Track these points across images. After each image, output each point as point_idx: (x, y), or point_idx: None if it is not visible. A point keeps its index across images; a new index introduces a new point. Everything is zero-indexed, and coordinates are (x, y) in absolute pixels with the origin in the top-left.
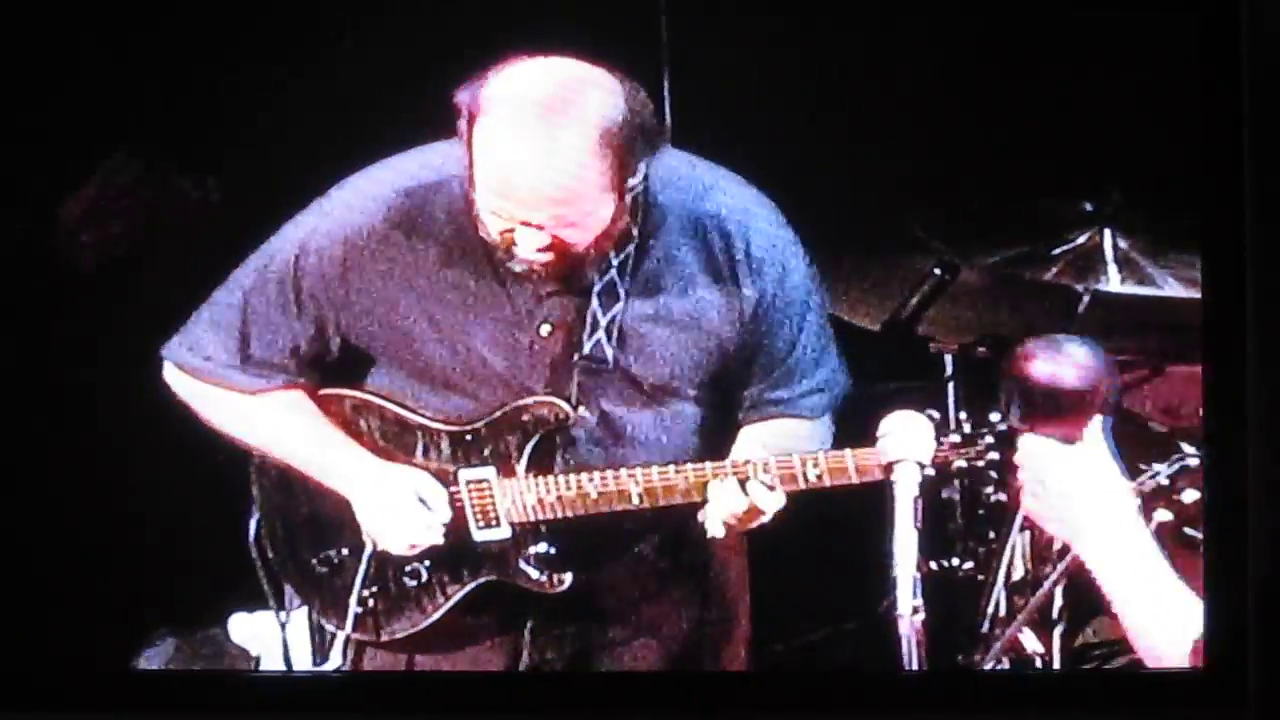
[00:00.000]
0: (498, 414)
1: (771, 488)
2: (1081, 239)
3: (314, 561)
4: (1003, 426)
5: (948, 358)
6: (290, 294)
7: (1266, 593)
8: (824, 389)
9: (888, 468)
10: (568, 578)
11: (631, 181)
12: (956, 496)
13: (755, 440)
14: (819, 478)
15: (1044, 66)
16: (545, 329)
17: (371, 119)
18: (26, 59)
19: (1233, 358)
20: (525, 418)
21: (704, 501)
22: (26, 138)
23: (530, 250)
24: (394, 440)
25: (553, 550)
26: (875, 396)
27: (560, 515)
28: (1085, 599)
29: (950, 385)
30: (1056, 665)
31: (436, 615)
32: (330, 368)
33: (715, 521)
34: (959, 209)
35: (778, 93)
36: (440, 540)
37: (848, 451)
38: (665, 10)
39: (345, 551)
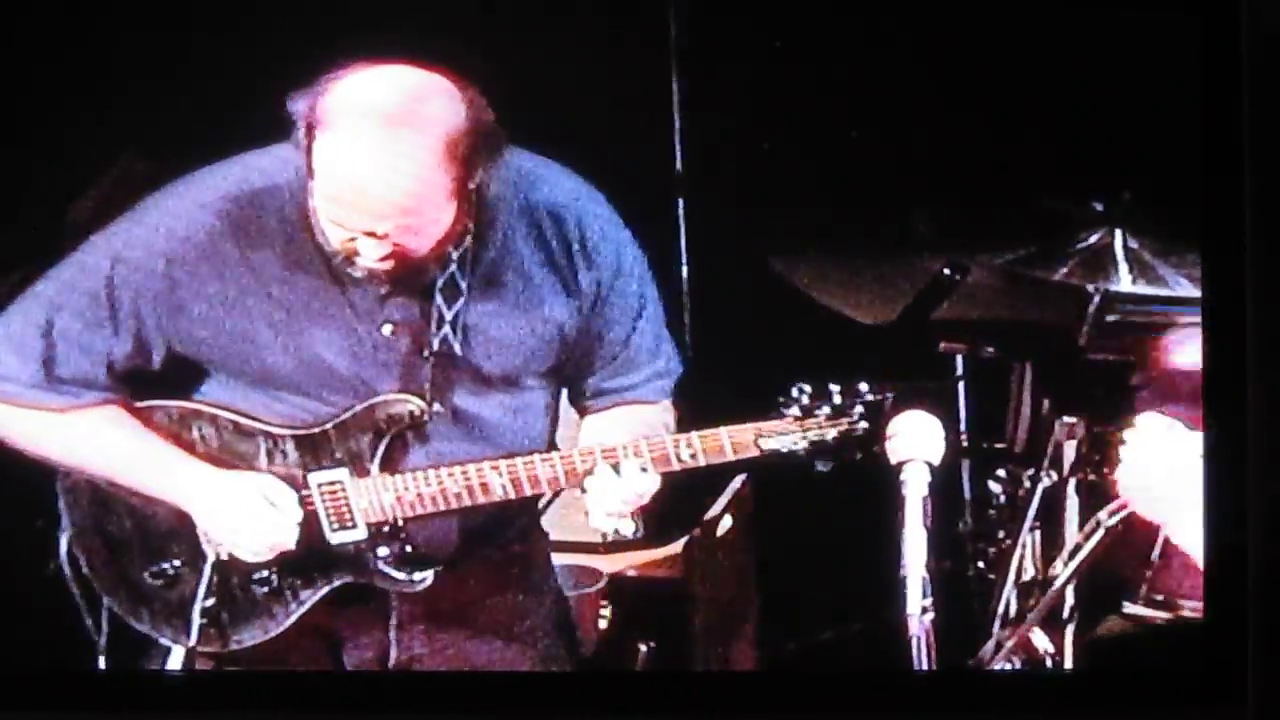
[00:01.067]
0: (347, 415)
1: (645, 469)
2: (1092, 239)
3: (146, 576)
4: (870, 397)
5: (958, 358)
6: (104, 308)
7: (1266, 593)
8: (663, 374)
9: (896, 467)
10: (428, 575)
11: (470, 185)
12: (968, 497)
13: (600, 429)
14: (693, 457)
15: (1050, 66)
16: (387, 329)
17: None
18: (36, 61)
19: (1233, 358)
20: (379, 416)
21: (569, 489)
22: (38, 139)
23: (372, 259)
24: (232, 448)
25: (409, 549)
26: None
27: (420, 512)
28: (1097, 598)
29: (960, 385)
30: (1068, 664)
31: (289, 621)
32: (151, 379)
33: (598, 513)
34: (967, 209)
35: (784, 89)
36: (293, 542)
37: (722, 429)
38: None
39: (179, 563)
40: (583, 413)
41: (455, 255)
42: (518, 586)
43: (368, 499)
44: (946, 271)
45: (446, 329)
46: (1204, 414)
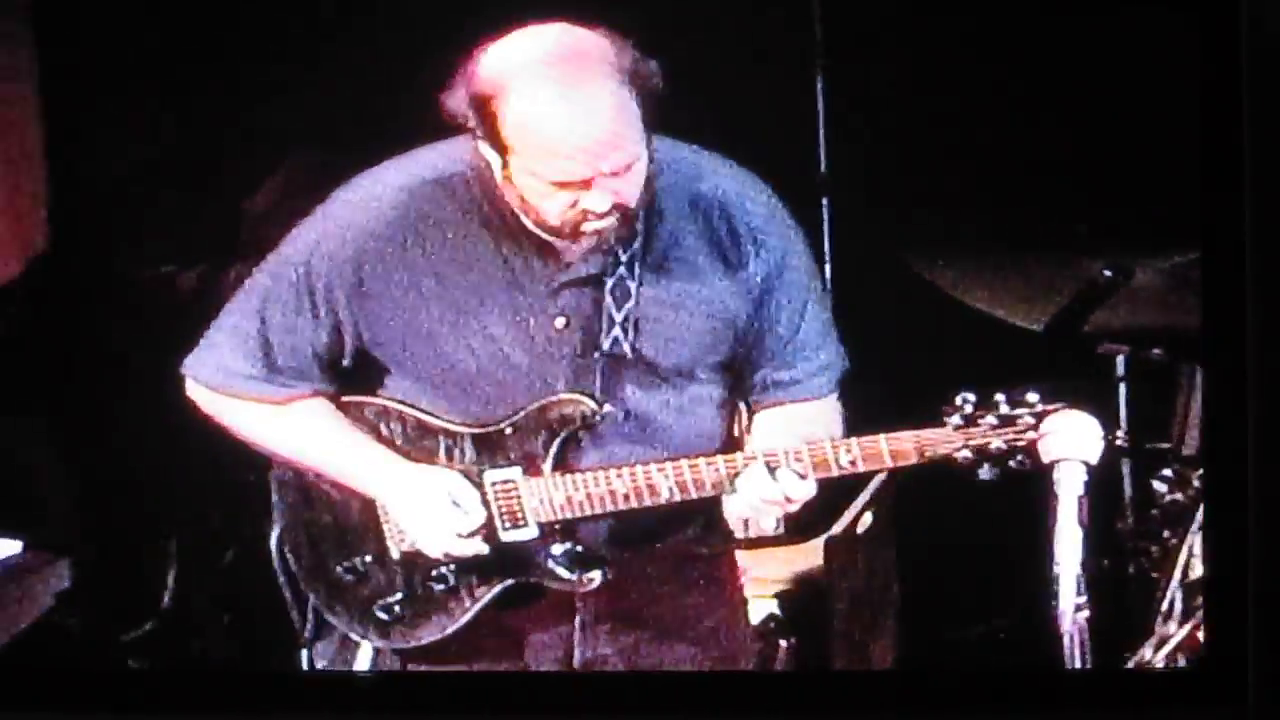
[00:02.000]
0: (522, 414)
1: (803, 476)
2: None
3: (339, 569)
4: (1040, 407)
5: (1119, 359)
6: (305, 297)
7: (1266, 593)
8: (829, 367)
9: (1050, 465)
10: (597, 575)
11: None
12: (1127, 496)
13: (770, 427)
14: (852, 463)
15: None
16: (560, 321)
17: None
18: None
19: (1233, 358)
20: (551, 416)
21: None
22: (213, 137)
23: (598, 214)
24: (416, 445)
25: (579, 549)
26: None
27: (589, 513)
28: None
29: (1121, 386)
30: None
31: (464, 620)
32: (347, 374)
33: (737, 512)
34: (1132, 209)
35: (930, 87)
36: (478, 544)
37: (881, 437)
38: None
39: (369, 559)
40: (752, 409)
41: (624, 254)
42: (700, 586)
43: (539, 498)
44: (1107, 273)
45: (617, 330)
46: (1204, 415)
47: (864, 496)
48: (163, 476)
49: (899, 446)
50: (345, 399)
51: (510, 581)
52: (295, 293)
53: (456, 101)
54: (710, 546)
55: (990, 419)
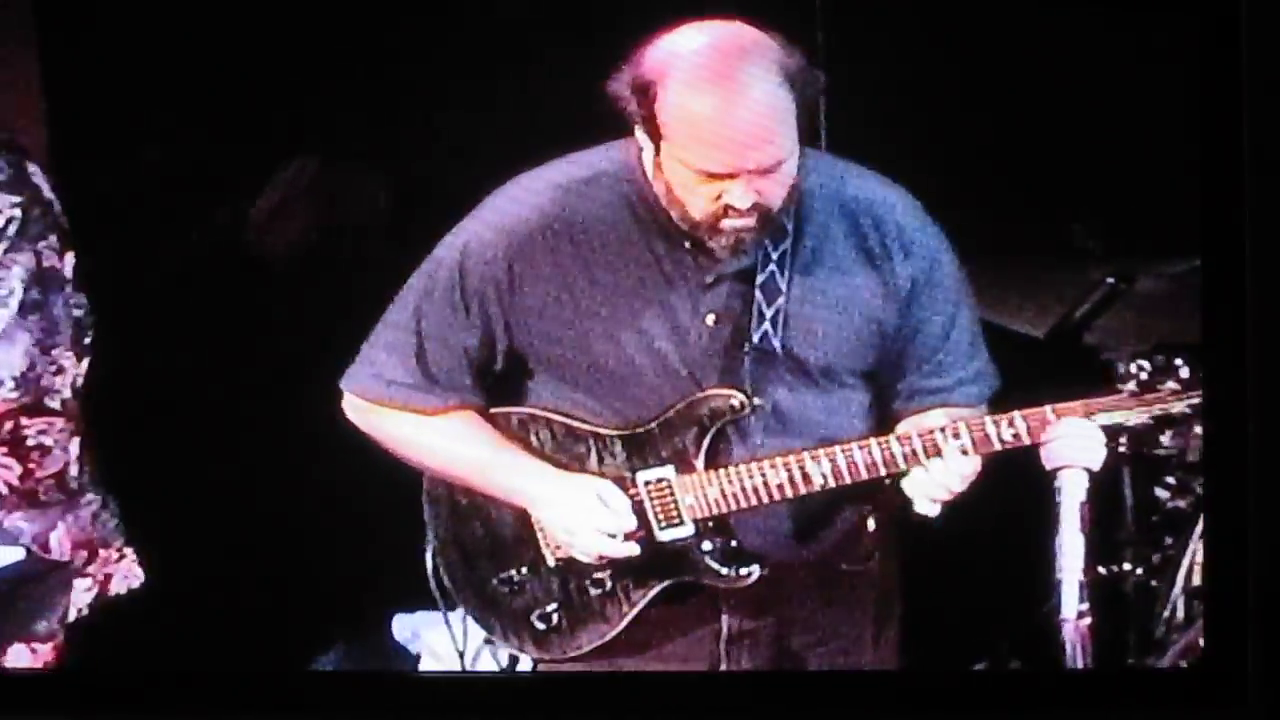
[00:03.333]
0: (671, 411)
1: (965, 451)
2: None
3: (495, 583)
4: (1186, 370)
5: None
6: (458, 298)
7: (1266, 593)
8: (978, 379)
9: (1053, 473)
10: (755, 570)
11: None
12: (1129, 503)
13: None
14: (1015, 437)
15: None
16: (711, 318)
17: (532, 124)
18: (218, 64)
19: (1232, 357)
20: (702, 411)
21: (888, 478)
22: (216, 144)
23: (741, 211)
24: (566, 451)
25: (734, 543)
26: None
27: (744, 505)
28: None
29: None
30: None
31: (623, 624)
32: (496, 386)
33: (921, 498)
34: (1133, 216)
35: (937, 94)
36: (630, 546)
37: (1047, 407)
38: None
39: (525, 570)
40: (899, 416)
41: (775, 253)
42: (847, 593)
43: (693, 495)
44: (1110, 280)
45: (766, 325)
46: (1204, 415)
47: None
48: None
49: (1068, 414)
50: (494, 410)
51: (668, 582)
52: (449, 293)
53: (619, 86)
54: (849, 562)
55: (1171, 383)
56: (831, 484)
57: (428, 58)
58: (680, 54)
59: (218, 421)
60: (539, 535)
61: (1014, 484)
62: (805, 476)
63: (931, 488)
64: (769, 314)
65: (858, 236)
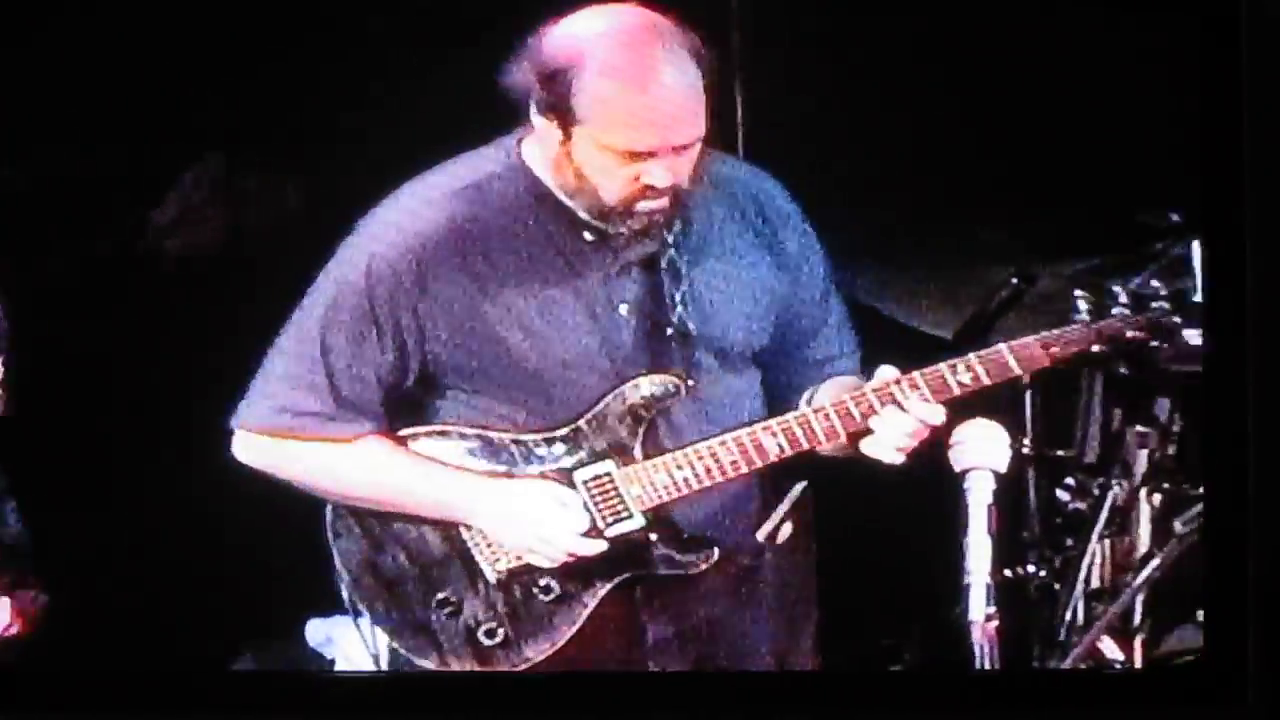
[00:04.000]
0: (601, 404)
1: (926, 400)
2: (1171, 249)
3: (431, 609)
4: (1171, 288)
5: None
6: (368, 317)
7: (1266, 593)
8: (857, 350)
9: (961, 475)
10: (714, 552)
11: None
12: (1033, 505)
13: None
14: (974, 379)
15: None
16: (624, 308)
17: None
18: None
19: (1233, 358)
20: (635, 399)
21: (848, 438)
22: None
23: (659, 190)
24: (485, 463)
25: (685, 534)
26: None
27: (696, 488)
28: (1168, 607)
29: (1027, 394)
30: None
31: (574, 629)
32: (399, 404)
33: (888, 449)
34: (1036, 217)
35: (844, 97)
36: (592, 542)
37: (1002, 345)
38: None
39: (462, 586)
40: (792, 394)
41: (670, 238)
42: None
43: (639, 485)
44: (1014, 280)
45: (679, 308)
46: (1205, 414)
47: (783, 507)
48: None
49: (1027, 352)
50: (403, 432)
51: (618, 579)
52: (357, 315)
53: (521, 75)
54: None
55: (1119, 309)
56: (789, 452)
57: (340, 56)
58: (591, 38)
59: (123, 424)
60: (475, 550)
61: (924, 486)
62: (759, 448)
63: (898, 438)
64: (678, 296)
65: (739, 214)
